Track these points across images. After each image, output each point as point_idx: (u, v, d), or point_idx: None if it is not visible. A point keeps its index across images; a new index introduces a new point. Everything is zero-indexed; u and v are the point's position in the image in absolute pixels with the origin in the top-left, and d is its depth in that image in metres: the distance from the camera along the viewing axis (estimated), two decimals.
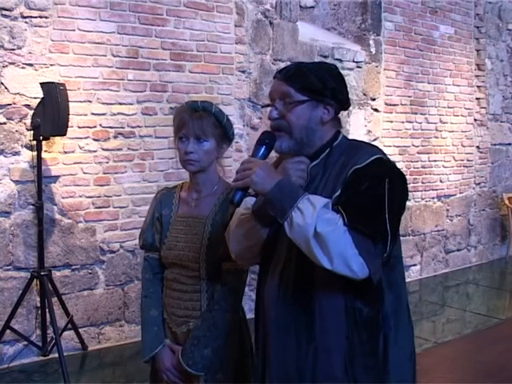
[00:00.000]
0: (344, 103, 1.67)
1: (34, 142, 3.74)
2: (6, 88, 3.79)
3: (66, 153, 4.01)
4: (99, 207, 4.17)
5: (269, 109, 1.65)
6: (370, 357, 1.53)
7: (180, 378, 1.98)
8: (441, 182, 6.46)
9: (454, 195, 6.65)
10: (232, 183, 1.57)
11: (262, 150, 1.60)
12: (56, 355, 3.65)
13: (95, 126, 4.12)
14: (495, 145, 7.15)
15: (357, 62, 5.68)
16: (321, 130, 1.62)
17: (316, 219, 1.42)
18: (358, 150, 1.59)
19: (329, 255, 1.41)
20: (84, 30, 4.04)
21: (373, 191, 1.49)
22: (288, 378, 1.58)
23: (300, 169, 1.60)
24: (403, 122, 6.02)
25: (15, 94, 3.82)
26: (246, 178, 1.51)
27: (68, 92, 3.75)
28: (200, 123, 1.92)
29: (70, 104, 3.76)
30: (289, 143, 1.61)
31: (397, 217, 1.53)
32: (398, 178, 1.56)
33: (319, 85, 1.59)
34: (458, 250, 6.78)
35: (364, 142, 1.72)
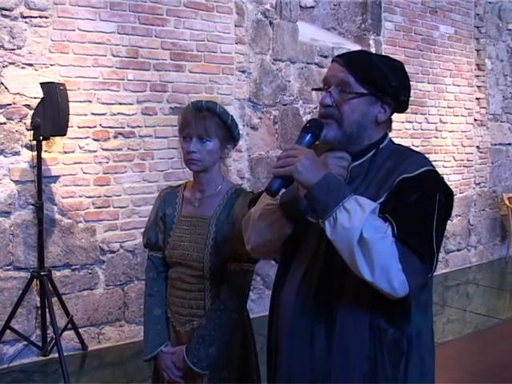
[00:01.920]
0: (403, 105, 1.54)
1: (34, 142, 3.74)
2: (6, 88, 3.79)
3: (66, 153, 4.01)
4: (99, 207, 4.17)
5: (320, 93, 1.52)
6: (391, 381, 1.42)
7: (182, 376, 1.98)
8: None
9: (454, 195, 6.63)
10: (272, 170, 1.42)
11: (308, 137, 1.45)
12: (56, 355, 3.65)
13: (95, 126, 4.12)
14: (495, 145, 7.15)
15: None
16: (372, 129, 1.50)
17: (364, 223, 1.29)
18: (407, 158, 1.47)
19: (371, 266, 1.28)
20: (84, 30, 4.04)
21: (423, 205, 1.37)
22: None
23: (341, 165, 1.48)
24: (403, 122, 6.02)
25: (15, 94, 3.82)
26: (289, 166, 1.35)
27: (68, 92, 3.75)
28: (203, 123, 1.91)
29: (70, 104, 3.76)
30: (336, 133, 1.47)
31: (442, 236, 1.42)
32: (447, 195, 1.46)
33: (382, 80, 1.46)
34: (458, 250, 6.78)
35: (411, 149, 1.58)
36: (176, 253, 2.00)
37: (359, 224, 1.29)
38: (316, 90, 1.61)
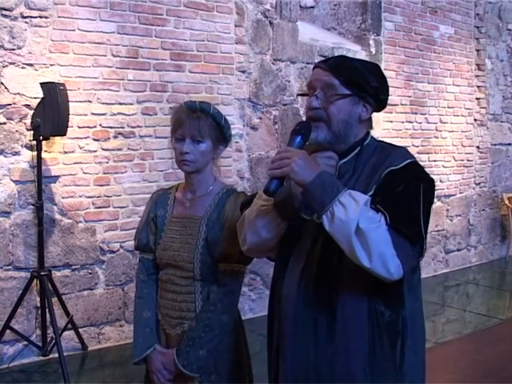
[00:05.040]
0: (382, 104, 1.67)
1: (34, 142, 3.74)
2: (6, 88, 3.79)
3: (66, 153, 4.01)
4: (99, 207, 4.17)
5: (305, 98, 1.61)
6: (389, 361, 1.52)
7: (171, 379, 1.95)
8: (441, 182, 6.46)
9: (454, 195, 6.65)
10: (268, 172, 1.51)
11: (298, 139, 1.55)
12: (56, 355, 3.65)
13: (95, 126, 4.12)
14: (495, 145, 7.15)
15: None
16: (357, 127, 1.61)
17: (359, 215, 1.40)
18: (391, 152, 1.59)
19: (369, 253, 1.39)
20: (84, 30, 4.04)
21: (410, 194, 1.49)
22: (304, 378, 1.55)
23: (329, 164, 1.58)
24: (403, 122, 6.02)
25: (15, 94, 3.82)
26: (284, 167, 1.46)
27: (68, 92, 3.75)
28: (197, 124, 1.90)
29: (70, 104, 3.76)
30: (326, 135, 1.57)
31: (427, 221, 1.53)
32: (430, 183, 1.57)
33: (364, 81, 1.58)
34: (458, 250, 6.78)
35: (392, 144, 1.71)
36: (166, 254, 1.99)
37: (355, 216, 1.40)
38: (301, 95, 1.72)
